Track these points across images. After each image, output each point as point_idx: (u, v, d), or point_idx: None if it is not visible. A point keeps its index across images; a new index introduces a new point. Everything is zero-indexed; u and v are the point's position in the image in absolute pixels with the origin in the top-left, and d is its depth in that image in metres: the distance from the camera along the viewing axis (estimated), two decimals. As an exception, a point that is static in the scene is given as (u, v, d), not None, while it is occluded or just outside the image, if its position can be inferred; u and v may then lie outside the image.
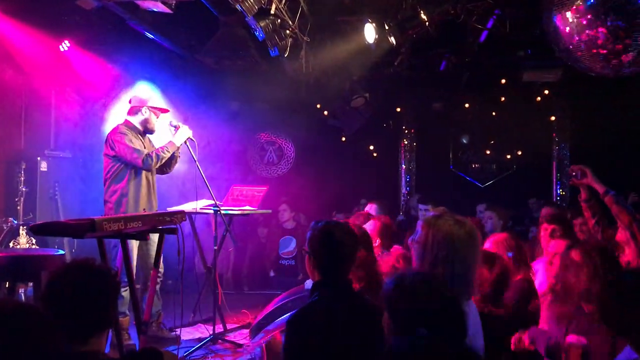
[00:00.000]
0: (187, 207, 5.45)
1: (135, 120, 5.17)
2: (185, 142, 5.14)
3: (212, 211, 5.31)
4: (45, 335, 1.76)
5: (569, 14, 4.60)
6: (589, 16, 4.58)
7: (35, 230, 3.26)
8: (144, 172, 5.09)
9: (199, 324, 5.82)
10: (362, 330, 2.45)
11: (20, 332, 1.72)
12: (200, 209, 5.43)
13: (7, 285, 4.15)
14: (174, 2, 5.59)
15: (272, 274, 8.04)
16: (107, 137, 5.08)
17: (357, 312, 2.51)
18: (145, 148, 5.05)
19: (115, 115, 7.58)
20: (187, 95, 8.39)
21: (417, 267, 2.44)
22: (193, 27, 6.91)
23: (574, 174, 3.88)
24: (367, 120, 9.19)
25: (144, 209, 4.92)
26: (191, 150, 5.13)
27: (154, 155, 4.95)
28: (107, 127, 7.51)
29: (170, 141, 5.10)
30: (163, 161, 5.06)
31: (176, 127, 5.15)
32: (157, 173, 5.37)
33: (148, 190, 5.14)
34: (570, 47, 4.97)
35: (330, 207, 8.62)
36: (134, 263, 5.05)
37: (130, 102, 5.27)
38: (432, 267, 2.33)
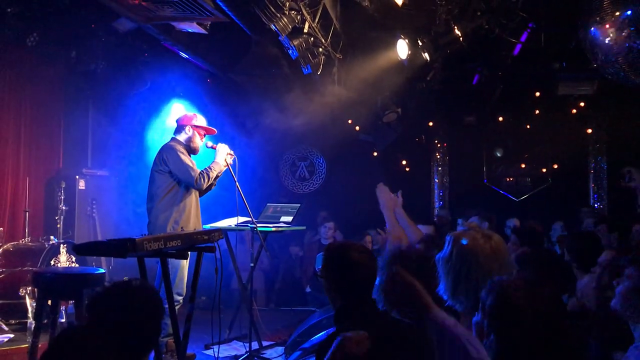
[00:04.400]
0: (223, 224, 5.49)
1: (181, 139, 5.18)
2: (225, 159, 5.16)
3: (248, 228, 5.34)
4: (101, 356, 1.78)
5: (607, 27, 4.54)
6: (628, 28, 4.52)
7: (78, 250, 3.32)
8: (194, 191, 5.12)
9: (235, 341, 5.83)
10: (397, 353, 2.32)
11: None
12: (236, 225, 5.46)
13: (49, 303, 4.21)
14: (209, 22, 5.69)
15: (308, 289, 8.02)
16: (160, 153, 5.08)
17: (388, 334, 2.33)
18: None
19: (151, 134, 7.72)
20: (220, 113, 8.49)
21: (441, 284, 2.35)
22: (226, 47, 6.99)
23: (625, 177, 3.74)
24: (399, 135, 9.15)
25: (194, 228, 4.95)
26: (230, 167, 5.16)
27: (205, 174, 4.97)
28: (143, 146, 7.71)
29: (214, 161, 5.13)
30: (211, 181, 5.09)
31: (213, 147, 5.18)
32: None
33: (197, 209, 5.19)
34: (608, 59, 4.91)
35: (363, 223, 8.59)
36: (185, 280, 5.07)
37: (177, 121, 5.33)
38: (456, 283, 2.26)
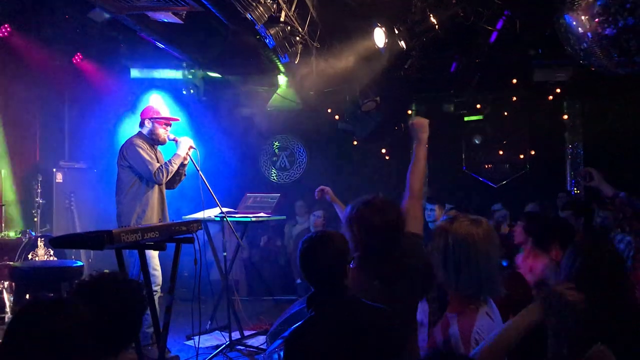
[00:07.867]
0: (199, 215, 5.49)
1: (144, 132, 5.21)
2: (187, 152, 5.16)
3: (217, 219, 5.35)
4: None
5: (580, 13, 4.59)
6: (600, 15, 4.57)
7: (55, 243, 3.30)
8: (157, 185, 5.12)
9: (216, 331, 5.84)
10: (369, 337, 2.37)
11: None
12: (214, 216, 5.47)
13: (27, 297, 4.19)
14: (185, 12, 5.64)
15: (298, 280, 8.03)
16: (121, 148, 5.10)
17: (359, 319, 2.40)
18: (157, 161, 5.08)
19: (128, 126, 7.66)
20: (199, 104, 8.44)
21: (440, 275, 2.40)
22: (203, 37, 6.94)
23: (581, 177, 3.82)
24: (379, 124, 9.18)
25: (159, 220, 4.95)
26: (192, 160, 5.16)
27: (163, 168, 4.99)
28: (120, 138, 7.65)
29: (175, 153, 5.13)
30: (172, 174, 5.09)
31: (175, 140, 5.18)
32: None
33: (161, 202, 5.17)
34: (582, 46, 4.96)
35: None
36: (159, 269, 5.07)
37: (140, 115, 5.32)
38: (457, 272, 2.31)
